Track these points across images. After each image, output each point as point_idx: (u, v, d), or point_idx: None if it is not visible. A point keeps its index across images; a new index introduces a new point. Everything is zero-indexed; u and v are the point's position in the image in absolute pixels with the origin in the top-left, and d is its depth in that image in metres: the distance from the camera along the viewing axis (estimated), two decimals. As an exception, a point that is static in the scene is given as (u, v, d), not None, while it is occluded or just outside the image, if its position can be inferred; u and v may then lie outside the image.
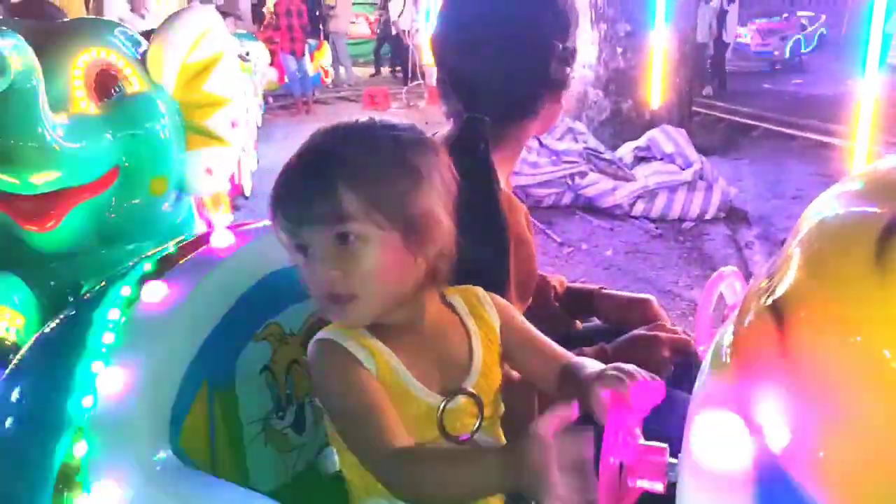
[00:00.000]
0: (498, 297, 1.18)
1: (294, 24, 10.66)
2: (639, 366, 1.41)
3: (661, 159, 6.23)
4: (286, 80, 10.70)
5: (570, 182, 6.04)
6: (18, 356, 1.26)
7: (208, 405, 1.16)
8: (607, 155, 6.38)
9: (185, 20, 2.70)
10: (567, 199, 6.08)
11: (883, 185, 0.82)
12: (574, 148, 6.24)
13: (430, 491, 0.95)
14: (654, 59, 7.01)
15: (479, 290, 1.18)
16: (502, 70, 1.39)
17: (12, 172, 2.26)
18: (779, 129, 9.22)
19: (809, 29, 16.49)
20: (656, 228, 5.73)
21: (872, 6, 3.97)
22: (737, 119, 9.95)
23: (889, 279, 0.69)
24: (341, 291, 1.00)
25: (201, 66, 2.71)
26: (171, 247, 1.29)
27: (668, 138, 6.32)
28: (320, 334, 1.06)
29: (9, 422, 1.14)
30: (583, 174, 6.06)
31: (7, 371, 1.27)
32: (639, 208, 5.89)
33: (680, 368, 1.42)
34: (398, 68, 14.12)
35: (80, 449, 1.02)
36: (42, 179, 2.30)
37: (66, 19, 2.77)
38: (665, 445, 0.85)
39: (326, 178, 0.99)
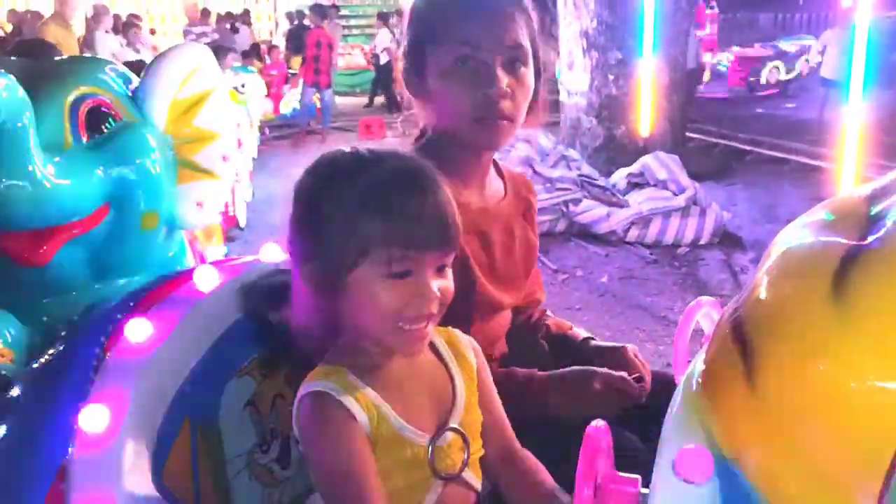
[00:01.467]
0: (476, 344, 1.20)
1: (323, 55, 10.76)
2: (574, 397, 1.39)
3: (655, 185, 6.26)
4: (280, 110, 10.76)
5: (564, 209, 6.07)
6: (6, 394, 1.28)
7: (191, 441, 1.16)
8: (601, 181, 6.42)
9: (177, 56, 2.74)
10: (561, 225, 6.11)
11: (846, 215, 0.83)
12: (568, 175, 6.28)
13: None
14: (642, 87, 7.08)
15: (459, 332, 1.20)
16: None
17: (3, 209, 2.28)
18: (772, 153, 9.27)
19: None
20: (651, 254, 5.75)
21: (854, 34, 4.02)
22: (730, 144, 10.00)
23: (846, 311, 0.70)
24: (434, 312, 1.04)
25: (192, 102, 2.74)
26: (155, 283, 1.30)
27: (660, 164, 6.36)
28: (312, 386, 1.05)
29: (-7, 460, 1.14)
30: (577, 201, 6.09)
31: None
32: (633, 234, 5.92)
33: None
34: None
35: (63, 486, 1.02)
36: (33, 216, 2.32)
37: (58, 58, 2.79)
38: (637, 477, 0.86)
39: (450, 207, 1.05)
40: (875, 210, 0.79)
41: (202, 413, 1.20)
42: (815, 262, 0.77)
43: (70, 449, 1.05)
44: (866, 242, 0.74)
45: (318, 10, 11.55)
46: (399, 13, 15.55)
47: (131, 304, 1.25)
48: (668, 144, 7.49)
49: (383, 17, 14.37)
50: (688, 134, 9.23)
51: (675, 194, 6.07)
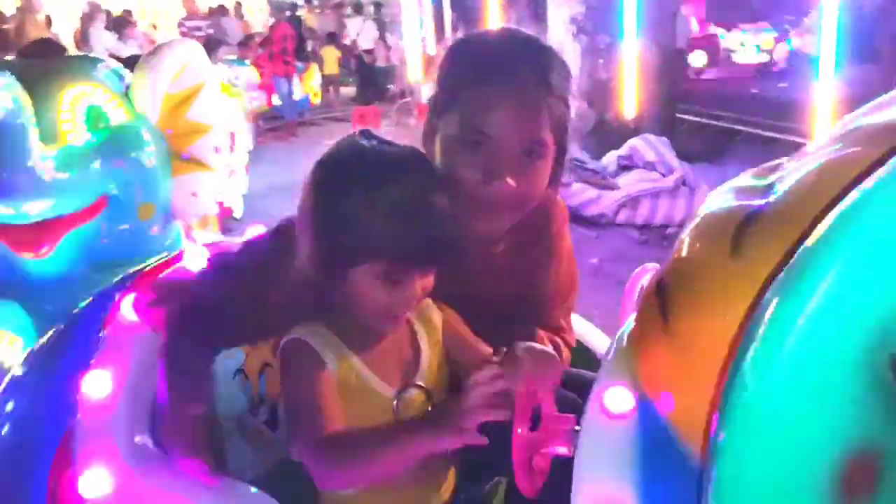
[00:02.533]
0: (439, 303, 1.31)
1: (288, 48, 10.92)
2: None
3: (644, 167, 6.36)
4: (273, 102, 10.86)
5: (554, 192, 6.17)
6: (14, 370, 1.39)
7: (185, 405, 1.28)
8: (591, 165, 6.52)
9: (168, 52, 2.85)
10: (552, 209, 6.20)
11: (761, 179, 0.94)
12: (557, 159, 6.38)
13: (357, 465, 1.09)
14: (626, 70, 7.17)
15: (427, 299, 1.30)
16: None
17: (6, 203, 2.40)
18: (763, 133, 9.35)
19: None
20: (641, 235, 5.85)
21: (822, 12, 4.10)
22: (723, 125, 10.07)
23: (740, 265, 0.81)
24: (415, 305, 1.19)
25: (184, 96, 2.85)
26: (148, 265, 1.42)
27: (649, 146, 6.46)
28: (295, 333, 1.18)
29: (6, 429, 1.26)
30: (567, 184, 6.19)
31: (3, 384, 1.40)
32: (623, 216, 6.02)
33: None
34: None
35: (70, 446, 1.14)
36: (34, 209, 2.44)
37: (54, 56, 2.89)
38: (572, 416, 0.97)
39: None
40: (772, 177, 0.91)
41: (195, 379, 1.31)
42: (721, 221, 0.88)
43: (75, 412, 1.16)
44: (760, 205, 0.85)
45: (277, 6, 11.70)
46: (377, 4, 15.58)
47: (126, 284, 1.36)
48: (657, 126, 7.58)
49: (357, 8, 14.40)
50: (679, 115, 9.31)
51: (664, 175, 6.18)
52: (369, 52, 13.96)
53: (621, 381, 0.93)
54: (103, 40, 8.93)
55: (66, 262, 2.61)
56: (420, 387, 1.22)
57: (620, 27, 7.37)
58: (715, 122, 10.18)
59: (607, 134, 7.67)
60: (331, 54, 13.26)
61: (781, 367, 0.63)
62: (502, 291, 1.40)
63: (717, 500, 0.65)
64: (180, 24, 12.23)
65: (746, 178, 0.99)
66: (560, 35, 7.93)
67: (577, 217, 6.15)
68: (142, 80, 2.76)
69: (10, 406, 1.33)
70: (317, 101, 12.04)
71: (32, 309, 2.65)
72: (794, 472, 0.62)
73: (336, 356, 1.16)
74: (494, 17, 8.87)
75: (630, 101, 7.29)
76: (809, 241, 0.65)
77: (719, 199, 0.97)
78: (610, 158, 6.72)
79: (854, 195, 0.64)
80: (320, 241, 1.13)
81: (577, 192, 6.14)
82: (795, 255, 0.66)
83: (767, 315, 0.65)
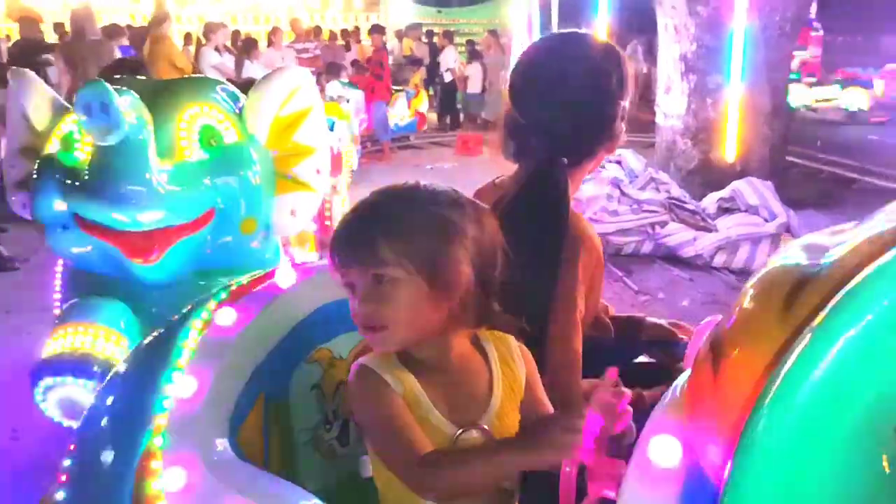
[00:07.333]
0: (528, 353, 1.34)
1: (385, 73, 11.34)
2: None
3: (745, 211, 6.21)
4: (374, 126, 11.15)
5: (650, 231, 6.10)
6: (117, 366, 1.52)
7: (263, 414, 1.37)
8: (690, 205, 6.41)
9: (279, 78, 3.02)
10: (647, 248, 6.13)
11: (820, 242, 0.96)
12: (656, 198, 6.31)
13: (456, 485, 1.15)
14: (730, 112, 7.05)
15: (512, 339, 1.33)
16: (580, 123, 1.66)
17: (123, 211, 2.59)
18: (883, 183, 8.95)
19: None
20: (737, 280, 5.70)
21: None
22: (837, 171, 9.70)
23: (793, 328, 0.83)
24: (374, 322, 1.20)
25: (292, 119, 3.02)
26: (244, 280, 1.52)
27: (752, 190, 6.30)
28: (360, 360, 1.25)
29: (105, 420, 1.38)
30: (663, 224, 6.11)
31: (107, 378, 1.53)
32: (720, 259, 5.89)
33: None
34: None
35: (157, 441, 1.24)
36: (147, 218, 2.62)
37: (175, 78, 3.11)
38: (623, 461, 0.99)
39: (369, 229, 1.20)
40: (837, 239, 0.92)
41: (275, 391, 1.40)
42: (777, 281, 0.90)
43: (164, 412, 1.27)
44: (816, 266, 0.86)
45: (378, 30, 12.25)
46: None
47: (223, 296, 1.47)
48: (766, 170, 7.39)
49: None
50: (791, 159, 9.03)
51: (767, 221, 6.01)
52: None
53: (669, 432, 0.95)
54: (211, 59, 9.37)
55: (172, 269, 2.79)
56: (483, 430, 1.23)
57: (736, 68, 7.26)
58: (829, 169, 9.81)
59: (712, 175, 7.53)
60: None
61: (795, 412, 0.66)
62: None
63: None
64: (289, 47, 12.76)
65: (823, 235, 0.99)
66: (669, 72, 7.89)
67: (672, 258, 6.06)
68: (254, 103, 2.95)
69: (109, 400, 1.45)
70: (424, 126, 12.30)
71: (139, 310, 2.85)
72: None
73: (401, 382, 1.20)
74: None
75: (732, 142, 7.15)
76: (839, 296, 0.68)
77: (788, 253, 0.99)
78: (711, 200, 6.59)
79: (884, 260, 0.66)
80: None
81: (673, 233, 6.05)
82: (828, 307, 0.68)
83: (792, 357, 0.68)
